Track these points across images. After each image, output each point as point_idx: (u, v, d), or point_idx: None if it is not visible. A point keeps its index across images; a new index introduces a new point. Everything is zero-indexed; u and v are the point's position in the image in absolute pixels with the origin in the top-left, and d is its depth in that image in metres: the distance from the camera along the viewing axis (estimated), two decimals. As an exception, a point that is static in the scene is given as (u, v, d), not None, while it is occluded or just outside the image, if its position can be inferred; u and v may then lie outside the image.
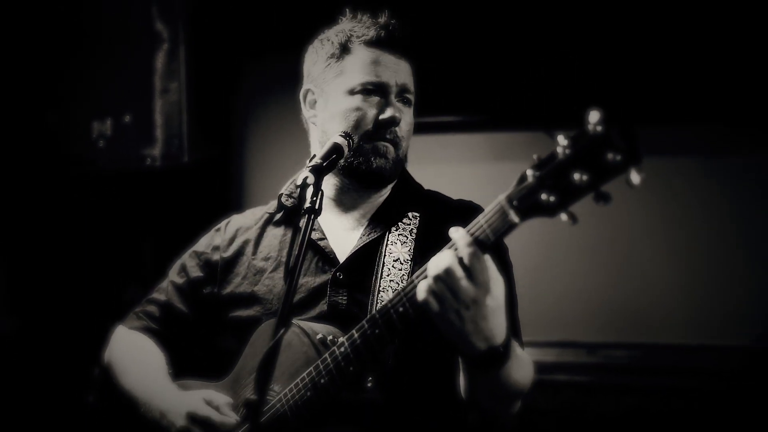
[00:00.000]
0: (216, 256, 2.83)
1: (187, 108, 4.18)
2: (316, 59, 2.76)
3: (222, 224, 2.92)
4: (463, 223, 2.50)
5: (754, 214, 4.35)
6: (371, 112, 2.63)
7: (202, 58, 4.32)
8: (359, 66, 2.66)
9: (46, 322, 4.79)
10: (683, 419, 4.25)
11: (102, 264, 4.66)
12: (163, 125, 4.18)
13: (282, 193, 2.83)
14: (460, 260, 2.07)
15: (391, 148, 2.65)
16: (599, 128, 1.81)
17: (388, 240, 2.63)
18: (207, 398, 2.52)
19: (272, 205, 2.89)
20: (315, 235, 2.68)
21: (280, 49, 4.37)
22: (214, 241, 2.87)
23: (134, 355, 2.80)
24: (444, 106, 4.51)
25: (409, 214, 2.70)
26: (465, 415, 2.63)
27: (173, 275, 2.89)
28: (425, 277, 2.13)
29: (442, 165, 4.65)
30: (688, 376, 4.29)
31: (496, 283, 2.13)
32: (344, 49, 2.69)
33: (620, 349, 4.41)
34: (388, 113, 2.62)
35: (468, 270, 2.06)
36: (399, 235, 2.64)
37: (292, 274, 2.20)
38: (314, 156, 2.45)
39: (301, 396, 2.38)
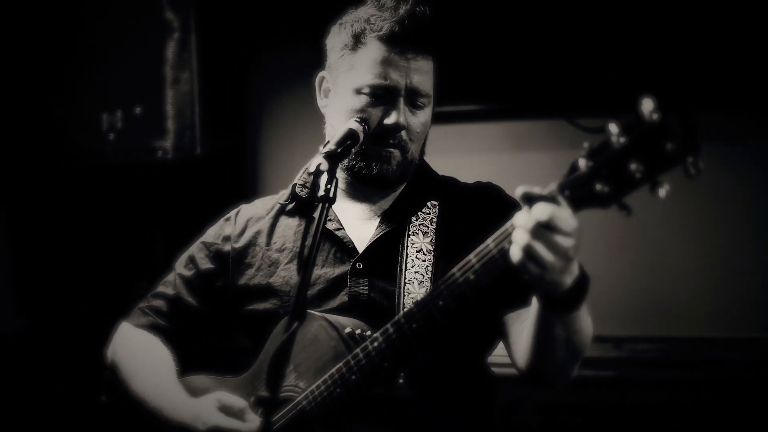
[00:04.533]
0: (227, 247, 2.75)
1: (199, 98, 4.08)
2: (333, 45, 2.67)
3: (231, 214, 2.85)
4: (483, 206, 2.39)
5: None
6: (376, 116, 2.54)
7: (213, 47, 4.22)
8: (369, 64, 2.55)
9: (55, 321, 4.75)
10: (712, 413, 4.15)
11: (113, 259, 4.61)
12: (174, 116, 4.09)
13: (296, 183, 2.76)
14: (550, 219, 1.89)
15: (396, 153, 2.58)
16: (655, 116, 1.74)
17: (409, 231, 2.57)
18: (224, 404, 2.43)
19: (283, 194, 2.81)
20: (332, 225, 2.62)
21: (295, 37, 4.30)
22: (224, 231, 2.80)
23: (142, 358, 2.73)
24: (463, 95, 4.42)
25: (428, 204, 2.64)
26: (492, 409, 2.61)
27: (180, 268, 2.81)
28: (503, 247, 2.02)
29: (462, 155, 4.56)
30: (717, 369, 4.19)
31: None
32: (357, 41, 2.59)
33: (647, 343, 4.33)
34: (392, 119, 2.54)
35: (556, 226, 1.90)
36: (420, 225, 2.59)
37: (306, 264, 2.14)
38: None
39: (330, 393, 2.31)
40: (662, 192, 1.77)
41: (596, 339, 4.22)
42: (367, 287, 2.50)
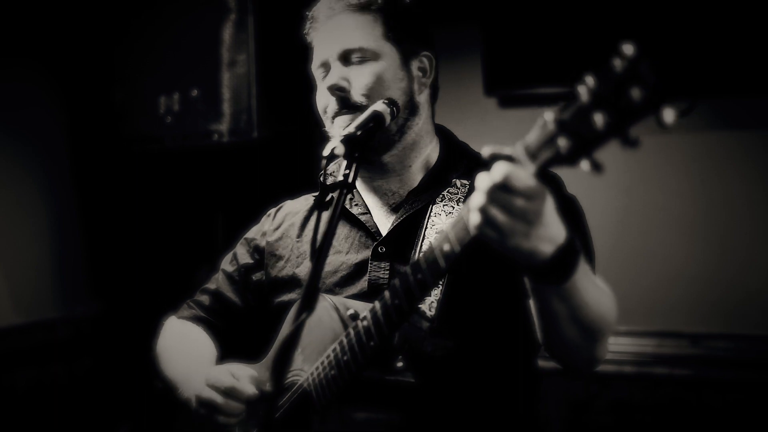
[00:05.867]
0: (263, 242, 2.76)
1: (257, 81, 3.99)
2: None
3: (272, 210, 2.86)
4: None
5: None
6: (325, 93, 2.51)
7: (272, 29, 4.10)
8: (314, 50, 2.58)
9: (126, 304, 4.82)
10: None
11: (175, 244, 4.62)
12: (230, 99, 4.01)
13: (323, 173, 2.66)
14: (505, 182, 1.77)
15: (352, 114, 2.44)
16: (625, 63, 1.58)
17: (431, 211, 2.46)
18: (231, 370, 2.42)
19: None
20: (357, 210, 2.57)
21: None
22: (264, 227, 2.82)
23: (181, 344, 2.78)
24: (541, 76, 4.29)
25: (457, 183, 2.51)
26: (526, 404, 2.47)
27: (225, 264, 2.87)
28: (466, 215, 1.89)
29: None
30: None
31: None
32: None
33: (726, 341, 4.16)
34: (327, 82, 2.49)
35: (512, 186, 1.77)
36: (444, 205, 2.47)
37: (319, 253, 2.06)
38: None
39: (326, 375, 2.26)
40: (633, 148, 1.60)
41: (671, 335, 4.19)
42: (387, 272, 2.42)
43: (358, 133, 2.23)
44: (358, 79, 2.46)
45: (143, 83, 4.25)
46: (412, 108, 2.53)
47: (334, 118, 2.48)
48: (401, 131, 2.51)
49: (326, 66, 2.51)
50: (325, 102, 2.51)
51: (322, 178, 2.57)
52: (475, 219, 1.80)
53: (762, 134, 4.11)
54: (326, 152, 2.16)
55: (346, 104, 2.46)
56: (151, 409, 4.43)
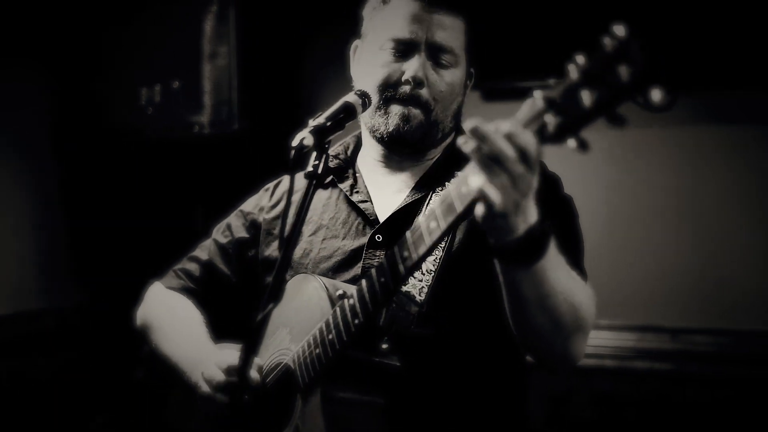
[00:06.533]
0: (261, 218, 2.72)
1: (238, 73, 3.99)
2: (367, 11, 2.60)
3: (271, 184, 2.80)
4: None
5: None
6: (397, 71, 2.45)
7: (253, 21, 4.12)
8: (392, 19, 2.46)
9: (108, 295, 4.78)
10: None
11: (158, 235, 4.61)
12: (211, 91, 4.03)
13: (328, 154, 2.64)
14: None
15: (416, 112, 2.45)
16: (616, 42, 1.61)
17: (429, 201, 2.45)
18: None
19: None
20: (357, 198, 2.56)
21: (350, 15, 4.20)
22: (261, 201, 2.76)
23: (174, 319, 2.70)
24: (525, 69, 4.26)
25: (458, 174, 2.48)
26: (512, 396, 2.47)
27: (217, 234, 2.79)
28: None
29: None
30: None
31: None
32: (383, 1, 2.50)
33: (707, 335, 4.14)
34: (409, 72, 2.43)
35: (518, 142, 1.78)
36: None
37: (287, 243, 2.08)
38: (319, 114, 2.25)
39: (311, 353, 2.25)
40: (621, 126, 1.63)
41: (652, 329, 4.19)
42: (382, 259, 2.37)
43: (328, 123, 2.22)
44: (437, 83, 2.46)
45: (125, 75, 4.26)
46: (456, 119, 2.57)
47: (390, 101, 2.45)
48: (440, 142, 2.55)
49: (410, 45, 2.44)
50: (387, 77, 2.45)
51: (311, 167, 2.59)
52: (477, 179, 1.81)
53: (747, 128, 4.11)
54: (295, 142, 2.16)
55: (417, 100, 2.45)
56: (130, 398, 4.44)
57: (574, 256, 2.29)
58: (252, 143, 4.23)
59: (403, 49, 2.45)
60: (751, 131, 4.10)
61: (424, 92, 2.44)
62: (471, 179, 1.83)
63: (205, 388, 2.36)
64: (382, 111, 2.47)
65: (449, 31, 2.45)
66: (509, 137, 1.75)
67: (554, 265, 2.02)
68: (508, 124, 1.76)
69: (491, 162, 1.77)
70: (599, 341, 4.16)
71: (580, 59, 1.65)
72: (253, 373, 2.32)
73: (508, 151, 1.76)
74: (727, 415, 4.03)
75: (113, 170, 4.71)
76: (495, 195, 1.80)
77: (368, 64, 2.50)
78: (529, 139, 1.75)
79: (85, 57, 4.43)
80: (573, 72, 1.66)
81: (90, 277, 4.93)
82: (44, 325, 4.73)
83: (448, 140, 2.58)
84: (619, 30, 1.61)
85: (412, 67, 2.43)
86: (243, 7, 4.07)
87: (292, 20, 4.53)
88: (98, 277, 4.89)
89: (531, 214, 1.89)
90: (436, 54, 2.45)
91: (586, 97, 1.63)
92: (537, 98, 1.72)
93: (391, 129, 2.46)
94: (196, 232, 4.23)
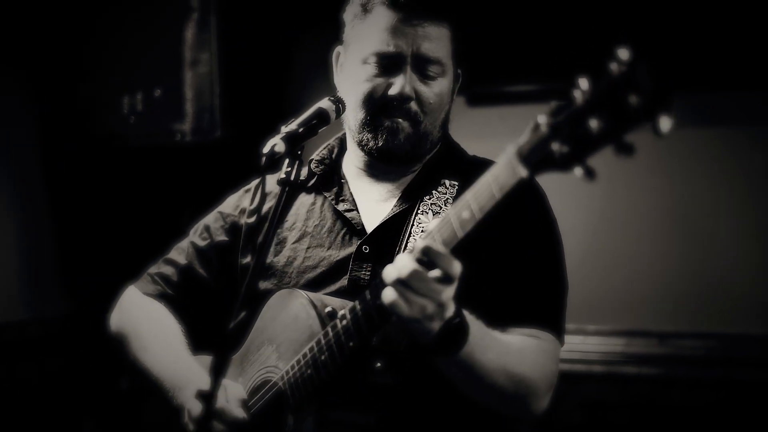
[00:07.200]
0: (242, 221, 2.64)
1: (219, 80, 3.98)
2: (347, 17, 2.54)
3: (252, 185, 2.72)
4: (510, 206, 2.26)
5: None
6: (382, 86, 2.40)
7: (234, 28, 4.11)
8: (374, 32, 2.40)
9: (96, 305, 4.71)
10: (763, 414, 3.96)
11: (143, 243, 4.59)
12: (193, 99, 4.02)
13: (312, 159, 2.64)
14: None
15: (405, 125, 2.41)
16: (623, 68, 1.55)
17: (418, 210, 2.41)
18: (225, 386, 2.37)
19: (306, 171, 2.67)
20: (343, 206, 2.51)
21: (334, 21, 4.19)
22: (242, 203, 2.70)
23: (152, 330, 2.65)
24: (509, 74, 4.29)
25: (447, 183, 2.48)
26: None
27: (195, 236, 2.73)
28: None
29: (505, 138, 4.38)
30: (768, 369, 4.01)
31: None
32: (365, 10, 2.44)
33: (695, 339, 4.12)
34: (396, 88, 2.38)
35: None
36: (432, 204, 2.43)
37: (259, 250, 2.07)
38: (292, 120, 2.24)
39: (302, 374, 2.21)
40: (628, 155, 1.58)
41: (640, 333, 4.18)
42: (369, 272, 2.37)
43: (300, 130, 2.21)
44: (426, 95, 2.41)
45: (107, 83, 4.24)
46: (444, 126, 2.54)
47: (377, 116, 2.41)
48: (429, 150, 2.52)
49: (395, 59, 2.38)
50: (372, 92, 2.41)
51: (312, 165, 2.59)
52: (391, 296, 1.92)
53: (737, 130, 4.10)
54: (266, 149, 2.13)
55: (406, 113, 2.41)
56: (117, 406, 4.42)
57: (540, 304, 2.33)
58: (234, 150, 4.20)
59: (388, 64, 2.40)
60: (740, 133, 4.09)
61: (412, 105, 2.40)
62: (384, 293, 1.93)
63: (188, 422, 2.36)
64: (371, 126, 2.43)
65: (435, 42, 2.40)
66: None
67: (483, 348, 2.09)
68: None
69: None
70: (587, 346, 4.14)
71: (585, 84, 1.61)
72: (238, 411, 2.31)
73: (424, 288, 1.89)
74: (716, 418, 4.02)
75: (98, 179, 4.67)
76: (405, 309, 1.91)
77: (352, 77, 2.45)
78: (447, 265, 1.87)
79: (67, 65, 4.41)
80: (579, 98, 1.61)
81: (76, 285, 4.89)
82: (30, 335, 4.70)
83: (436, 149, 2.55)
84: (624, 53, 1.56)
85: (398, 83, 2.38)
86: (224, 14, 4.05)
87: (275, 26, 4.51)
88: (84, 285, 4.83)
89: (447, 311, 1.96)
90: (422, 66, 2.40)
91: (594, 125, 1.58)
92: (541, 124, 1.67)
93: (380, 144, 2.43)
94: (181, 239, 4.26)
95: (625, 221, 4.25)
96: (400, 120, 2.40)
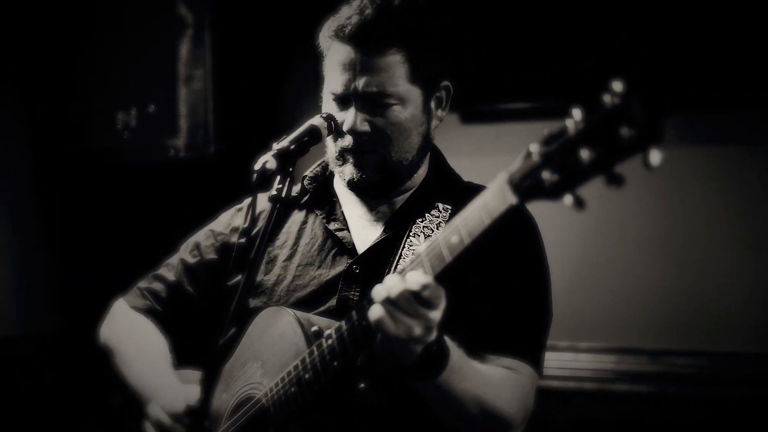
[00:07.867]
0: (233, 239, 2.61)
1: (213, 96, 3.99)
2: (322, 43, 2.47)
3: (244, 204, 2.69)
4: (501, 234, 2.28)
5: None
6: (342, 122, 2.38)
7: (229, 44, 4.13)
8: (330, 69, 2.38)
9: (88, 321, 4.72)
10: (755, 433, 3.96)
11: (135, 259, 4.59)
12: (187, 115, 4.03)
13: (305, 175, 2.62)
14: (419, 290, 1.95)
15: (370, 158, 2.39)
16: (616, 99, 1.57)
17: (410, 232, 2.40)
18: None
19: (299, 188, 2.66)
20: (334, 226, 2.49)
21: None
22: (234, 221, 2.66)
23: (137, 345, 2.64)
24: (503, 92, 4.30)
25: (440, 206, 2.45)
26: None
27: (185, 253, 2.70)
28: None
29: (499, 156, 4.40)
30: (761, 387, 3.98)
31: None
32: (326, 44, 2.40)
33: (687, 357, 4.11)
34: (346, 125, 2.35)
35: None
36: (424, 227, 2.41)
37: (249, 268, 2.08)
38: (284, 137, 2.23)
39: (285, 392, 2.21)
40: (618, 186, 1.60)
41: (631, 351, 4.18)
42: (358, 292, 2.36)
43: (292, 147, 2.20)
44: (381, 125, 2.36)
45: (101, 99, 4.25)
46: (425, 146, 2.47)
47: (343, 151, 2.39)
48: (410, 174, 2.48)
49: (343, 101, 2.37)
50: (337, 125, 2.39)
51: (306, 182, 2.58)
52: (378, 313, 1.94)
53: (727, 149, 4.11)
54: (257, 166, 2.13)
55: (364, 147, 2.37)
56: (109, 423, 4.41)
57: (522, 335, 2.33)
58: (229, 166, 4.21)
59: (341, 100, 2.37)
60: (733, 152, 4.09)
61: (367, 139, 2.36)
62: (372, 310, 1.95)
63: (164, 417, 2.36)
64: (340, 161, 2.41)
65: (382, 74, 2.33)
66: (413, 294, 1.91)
67: (460, 377, 2.11)
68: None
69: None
70: (578, 363, 4.13)
71: (578, 115, 1.63)
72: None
73: (411, 309, 1.92)
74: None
75: (91, 194, 4.68)
76: (391, 328, 1.93)
77: (326, 109, 2.42)
78: (432, 293, 1.91)
79: (61, 80, 4.41)
80: (571, 128, 1.63)
81: (69, 301, 4.89)
82: (23, 350, 4.70)
83: (423, 168, 2.52)
84: (617, 86, 1.58)
85: (348, 120, 2.34)
86: (219, 30, 4.08)
87: (269, 42, 4.51)
88: (77, 300, 4.84)
89: (431, 335, 1.98)
90: (370, 101, 2.35)
91: (585, 155, 1.60)
92: (533, 153, 1.69)
93: (347, 179, 2.41)
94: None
95: (617, 239, 4.24)
96: (361, 155, 2.39)
